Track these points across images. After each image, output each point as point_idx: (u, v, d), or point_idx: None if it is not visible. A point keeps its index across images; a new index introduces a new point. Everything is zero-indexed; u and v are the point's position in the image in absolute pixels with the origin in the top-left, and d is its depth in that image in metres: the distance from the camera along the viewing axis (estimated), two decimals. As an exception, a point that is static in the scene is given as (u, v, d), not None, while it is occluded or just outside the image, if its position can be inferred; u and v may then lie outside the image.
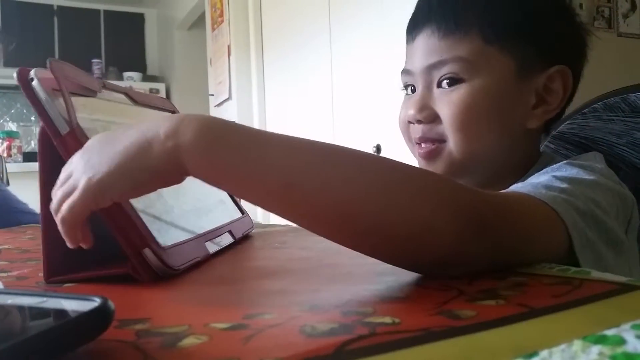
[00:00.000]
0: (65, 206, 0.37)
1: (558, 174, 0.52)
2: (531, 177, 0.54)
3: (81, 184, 0.36)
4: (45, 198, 0.42)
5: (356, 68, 2.26)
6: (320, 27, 2.52)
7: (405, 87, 0.65)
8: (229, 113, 3.24)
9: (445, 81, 0.59)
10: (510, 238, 0.40)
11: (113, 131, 0.39)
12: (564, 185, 0.48)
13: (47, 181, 0.42)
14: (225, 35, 3.31)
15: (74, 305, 0.24)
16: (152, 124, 0.36)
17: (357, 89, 2.26)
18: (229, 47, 3.27)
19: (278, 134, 0.37)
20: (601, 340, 0.23)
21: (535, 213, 0.44)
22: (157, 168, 0.35)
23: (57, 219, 0.38)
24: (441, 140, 0.60)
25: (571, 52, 0.62)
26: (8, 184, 2.13)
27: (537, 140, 0.65)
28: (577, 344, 0.22)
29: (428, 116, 0.60)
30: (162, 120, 0.36)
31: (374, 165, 0.37)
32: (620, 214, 0.52)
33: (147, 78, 4.88)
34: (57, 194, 0.38)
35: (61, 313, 0.25)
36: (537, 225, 0.43)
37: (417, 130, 0.62)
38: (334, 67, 2.46)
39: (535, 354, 0.21)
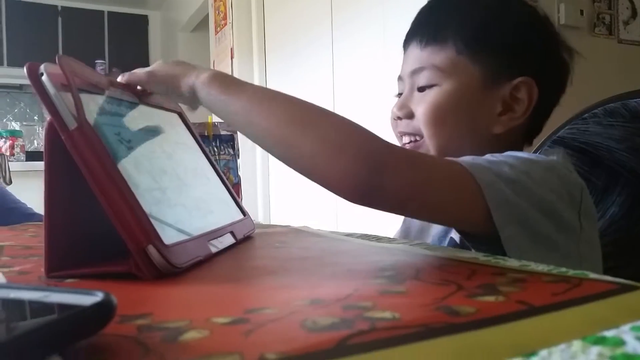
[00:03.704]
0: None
1: (498, 154, 0.57)
2: None
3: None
4: (50, 192, 0.42)
5: (358, 71, 2.27)
6: (322, 31, 2.52)
7: (399, 94, 0.72)
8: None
9: (422, 85, 0.67)
10: (413, 182, 0.47)
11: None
12: (494, 159, 0.54)
13: (52, 176, 0.43)
14: (229, 38, 3.32)
15: (76, 300, 0.25)
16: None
17: (359, 92, 2.27)
18: (232, 49, 3.28)
19: (260, 88, 0.54)
20: (600, 341, 0.23)
21: (446, 168, 0.50)
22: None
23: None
24: (419, 135, 0.68)
25: (541, 65, 0.66)
26: (10, 182, 2.13)
27: (512, 147, 0.66)
28: (577, 345, 0.22)
29: (406, 113, 0.69)
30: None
31: (297, 107, 0.50)
32: (563, 193, 0.55)
33: (150, 80, 4.87)
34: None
35: (63, 307, 0.25)
36: (446, 178, 0.49)
37: (399, 125, 0.70)
38: (335, 70, 2.46)
39: (534, 353, 0.22)
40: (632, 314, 0.27)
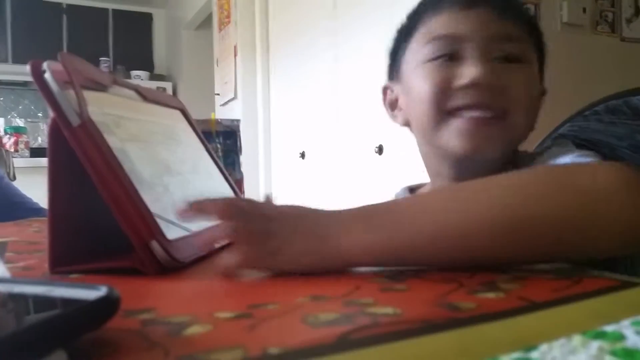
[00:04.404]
0: (240, 256, 0.38)
1: (576, 153, 0.53)
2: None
3: (266, 249, 0.38)
4: (54, 189, 0.43)
5: (360, 69, 2.26)
6: (325, 29, 2.52)
7: (439, 56, 0.60)
8: (235, 113, 3.26)
9: (508, 57, 0.58)
10: None
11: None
12: (592, 158, 0.50)
13: (56, 172, 0.43)
14: (232, 36, 3.32)
15: (80, 294, 0.25)
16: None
17: (361, 90, 2.26)
18: (235, 47, 3.28)
19: (413, 201, 0.41)
20: (601, 335, 0.23)
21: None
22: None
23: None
24: (499, 112, 0.58)
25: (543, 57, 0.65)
26: (14, 178, 2.13)
27: None
28: (577, 339, 0.23)
29: (500, 85, 0.57)
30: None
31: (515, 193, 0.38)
32: None
33: (154, 77, 4.89)
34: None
35: (67, 301, 0.25)
36: None
37: (474, 95, 0.57)
38: (338, 68, 2.46)
39: (534, 347, 0.22)
40: (633, 309, 0.27)
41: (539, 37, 0.63)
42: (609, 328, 0.24)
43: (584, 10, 1.95)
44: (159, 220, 0.42)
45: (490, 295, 0.31)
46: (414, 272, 0.37)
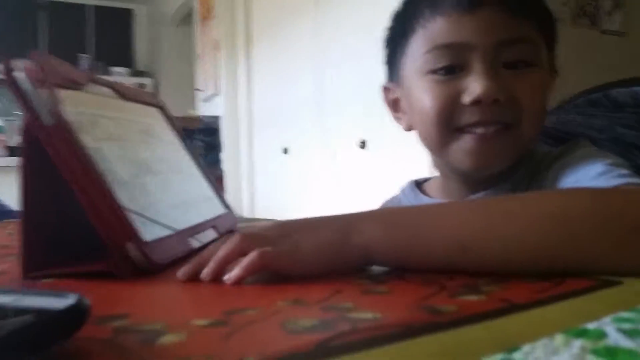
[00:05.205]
0: (256, 253, 0.36)
1: (607, 161, 0.51)
2: (565, 170, 0.53)
3: (285, 247, 0.37)
4: (26, 191, 0.41)
5: (343, 64, 2.26)
6: (307, 24, 2.52)
7: (441, 69, 0.56)
8: (217, 108, 3.24)
9: (518, 63, 0.55)
10: None
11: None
12: (625, 171, 0.49)
13: (29, 173, 0.42)
14: (214, 31, 3.30)
15: (48, 303, 0.24)
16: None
17: (344, 85, 2.26)
18: (217, 42, 3.26)
19: (437, 206, 0.45)
20: (583, 334, 0.23)
21: None
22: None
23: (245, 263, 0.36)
24: (509, 123, 0.55)
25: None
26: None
27: None
28: (559, 338, 0.22)
29: (509, 97, 0.54)
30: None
31: (542, 212, 0.37)
32: None
33: (135, 73, 4.84)
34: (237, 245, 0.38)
35: (35, 311, 0.24)
36: None
37: (481, 112, 0.54)
38: (321, 63, 2.46)
39: (517, 348, 0.21)
40: (613, 306, 0.27)
41: (550, 20, 0.59)
42: (591, 326, 0.24)
43: (565, 3, 1.96)
44: (138, 220, 0.41)
45: (472, 297, 0.30)
46: (396, 274, 0.37)
